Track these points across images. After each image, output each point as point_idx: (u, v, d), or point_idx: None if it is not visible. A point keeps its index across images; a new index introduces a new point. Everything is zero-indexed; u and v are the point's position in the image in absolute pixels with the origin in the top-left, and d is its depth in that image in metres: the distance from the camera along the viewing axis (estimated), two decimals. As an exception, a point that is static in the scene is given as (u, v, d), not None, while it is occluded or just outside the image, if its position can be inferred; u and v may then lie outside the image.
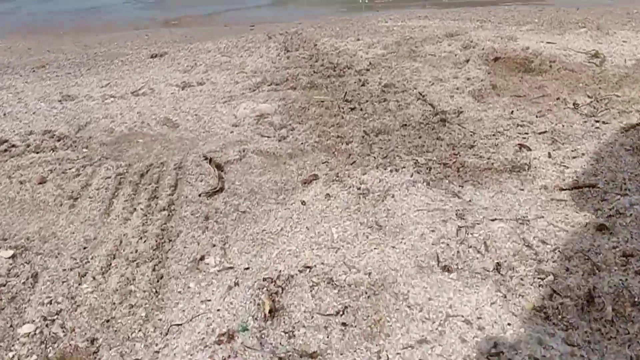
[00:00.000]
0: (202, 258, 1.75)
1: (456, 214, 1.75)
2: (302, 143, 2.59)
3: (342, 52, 4.26)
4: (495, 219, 1.72)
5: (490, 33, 4.41)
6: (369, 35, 4.70)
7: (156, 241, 1.86)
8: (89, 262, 1.77)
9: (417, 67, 3.69)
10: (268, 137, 2.68)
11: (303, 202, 1.92)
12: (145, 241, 1.86)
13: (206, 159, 2.45)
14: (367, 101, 3.09)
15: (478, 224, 1.70)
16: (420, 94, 3.11)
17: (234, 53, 4.40)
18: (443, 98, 3.05)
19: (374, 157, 2.32)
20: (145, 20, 7.05)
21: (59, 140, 2.77)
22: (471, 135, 2.53)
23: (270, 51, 4.39)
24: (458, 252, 1.57)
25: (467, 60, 3.60)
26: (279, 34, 4.92)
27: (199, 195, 2.14)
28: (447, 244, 1.61)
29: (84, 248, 1.85)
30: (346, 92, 3.19)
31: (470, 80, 3.27)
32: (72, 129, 2.92)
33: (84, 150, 2.67)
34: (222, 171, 2.39)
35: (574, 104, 2.72)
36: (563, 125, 2.47)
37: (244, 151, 2.56)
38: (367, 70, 3.80)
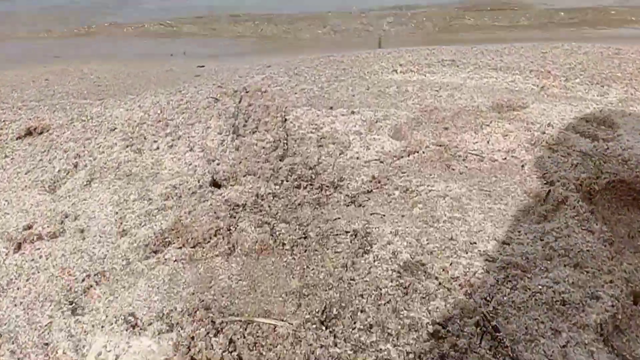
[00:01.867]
0: None
1: None
2: None
3: (326, 138, 2.58)
4: None
5: (565, 108, 2.74)
6: (370, 100, 3.01)
7: None
8: None
9: (458, 197, 2.03)
10: None
11: None
12: None
13: None
14: (372, 326, 1.43)
15: None
16: (485, 318, 1.44)
17: (150, 136, 2.69)
18: (540, 341, 1.38)
19: None
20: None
21: None
22: None
23: (210, 133, 2.69)
24: None
25: (559, 202, 1.92)
26: (232, 91, 3.21)
27: None
28: None
29: None
30: (326, 304, 1.51)
31: (581, 269, 1.60)
32: None
33: None
34: None
35: None
36: None
37: None
38: (369, 192, 2.15)
